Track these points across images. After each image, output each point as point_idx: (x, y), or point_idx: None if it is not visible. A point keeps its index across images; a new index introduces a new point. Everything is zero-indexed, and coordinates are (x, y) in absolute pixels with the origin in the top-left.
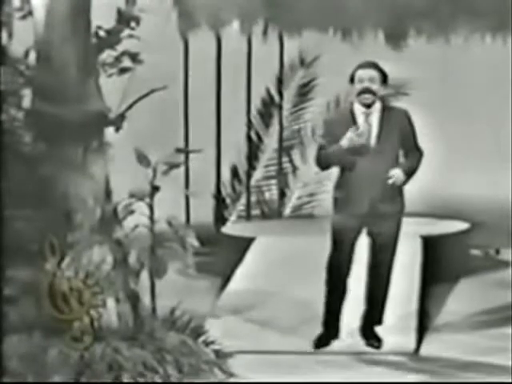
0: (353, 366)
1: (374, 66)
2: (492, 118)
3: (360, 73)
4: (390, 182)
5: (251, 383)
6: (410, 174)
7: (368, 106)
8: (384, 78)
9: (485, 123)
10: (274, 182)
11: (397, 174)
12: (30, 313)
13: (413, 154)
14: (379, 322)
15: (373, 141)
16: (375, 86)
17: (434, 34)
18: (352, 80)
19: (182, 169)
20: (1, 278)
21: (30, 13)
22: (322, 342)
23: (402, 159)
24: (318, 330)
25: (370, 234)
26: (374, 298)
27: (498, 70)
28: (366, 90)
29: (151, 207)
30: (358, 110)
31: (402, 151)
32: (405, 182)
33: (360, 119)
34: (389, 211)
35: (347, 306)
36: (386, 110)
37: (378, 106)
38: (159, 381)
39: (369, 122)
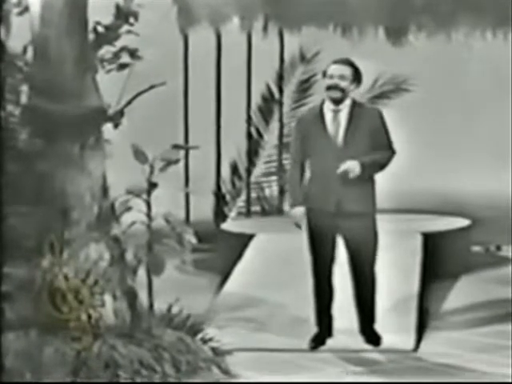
0: (351, 364)
1: (348, 63)
2: (493, 114)
3: (332, 68)
4: (339, 171)
5: (251, 383)
6: (371, 168)
7: (337, 102)
8: (357, 76)
9: (486, 119)
10: (274, 178)
11: (350, 165)
12: (26, 310)
13: (381, 151)
14: (372, 320)
15: (340, 138)
16: (344, 83)
17: (435, 30)
18: (324, 75)
19: (181, 165)
20: None
21: (27, 8)
22: (317, 341)
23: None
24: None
25: (342, 234)
26: (361, 298)
27: (498, 67)
28: (334, 86)
29: (148, 204)
30: (328, 107)
31: (373, 150)
32: (364, 176)
33: (328, 116)
34: (358, 211)
35: (344, 304)
36: (356, 107)
37: (347, 103)
38: (157, 378)
39: (337, 120)
